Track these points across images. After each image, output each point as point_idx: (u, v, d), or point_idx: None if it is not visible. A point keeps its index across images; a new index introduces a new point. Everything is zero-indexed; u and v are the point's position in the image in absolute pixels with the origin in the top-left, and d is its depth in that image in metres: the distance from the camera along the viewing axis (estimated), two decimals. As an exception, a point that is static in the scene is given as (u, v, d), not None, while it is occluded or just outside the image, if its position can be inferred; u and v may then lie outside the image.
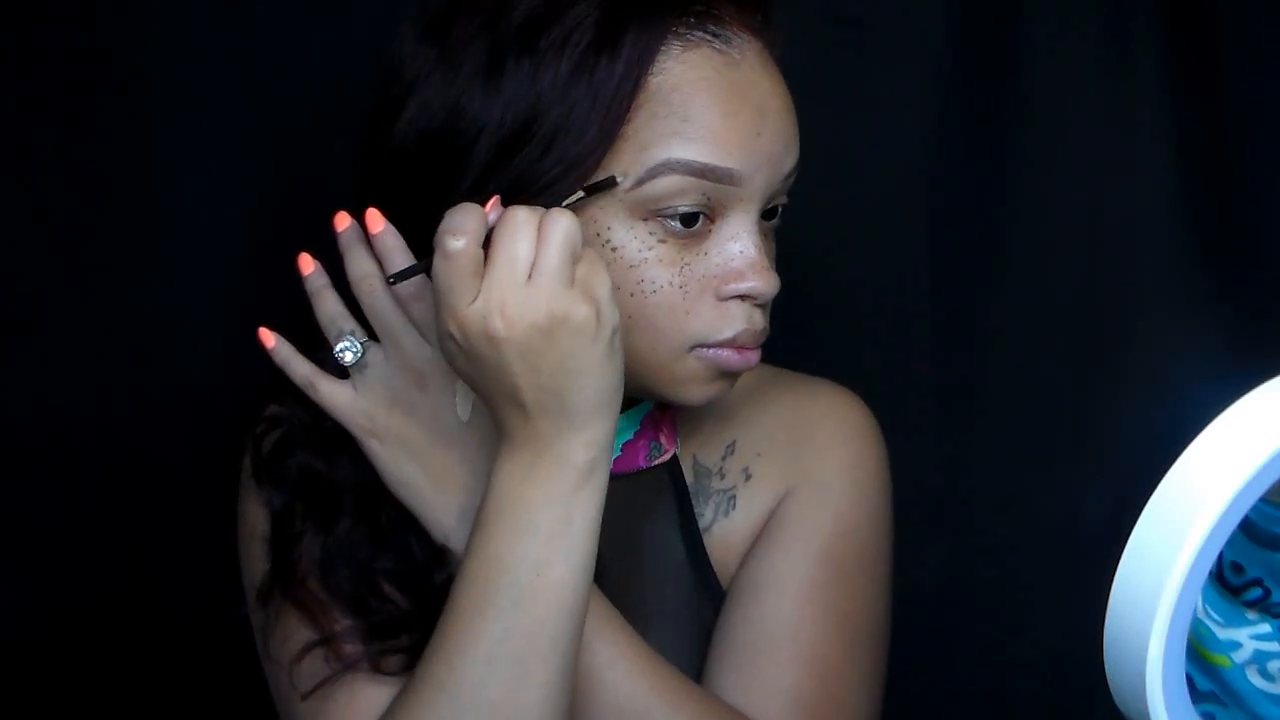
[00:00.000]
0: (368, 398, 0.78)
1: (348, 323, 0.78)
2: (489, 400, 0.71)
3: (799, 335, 1.16)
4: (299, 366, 0.79)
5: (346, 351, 0.77)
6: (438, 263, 0.68)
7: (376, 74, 0.80)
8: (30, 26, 1.08)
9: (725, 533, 0.87)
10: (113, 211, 1.12)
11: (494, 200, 0.70)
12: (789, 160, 0.77)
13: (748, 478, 0.88)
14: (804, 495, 0.87)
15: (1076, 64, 1.16)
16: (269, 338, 0.79)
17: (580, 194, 0.73)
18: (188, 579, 1.10)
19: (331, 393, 0.78)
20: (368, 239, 0.77)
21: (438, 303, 0.69)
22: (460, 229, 0.67)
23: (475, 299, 0.67)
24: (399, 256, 0.76)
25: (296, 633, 0.80)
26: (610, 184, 0.73)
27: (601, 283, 0.69)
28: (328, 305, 0.79)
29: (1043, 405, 1.21)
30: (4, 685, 1.16)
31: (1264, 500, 0.57)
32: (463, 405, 0.78)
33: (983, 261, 1.19)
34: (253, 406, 0.87)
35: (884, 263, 1.20)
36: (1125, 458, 1.13)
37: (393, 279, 0.73)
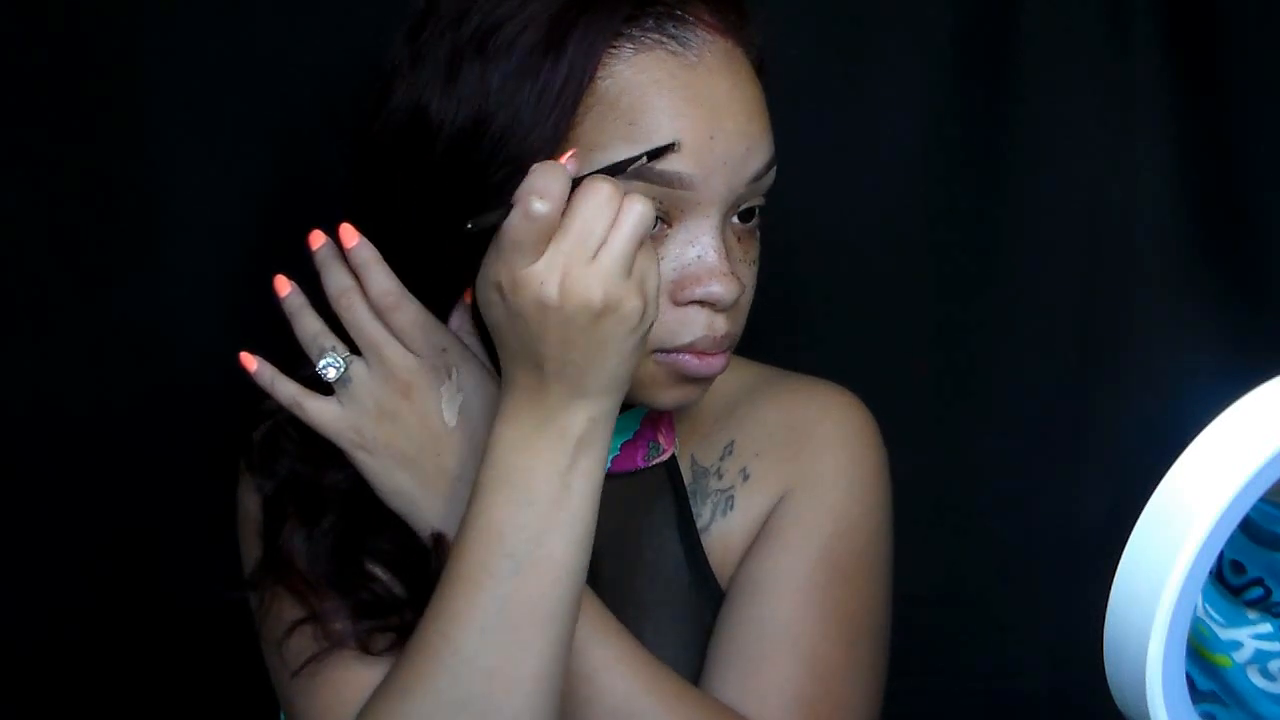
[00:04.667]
0: (354, 412, 0.78)
1: (328, 339, 0.78)
2: (508, 356, 0.71)
3: (798, 334, 1.17)
4: (284, 387, 0.79)
5: (330, 368, 0.78)
6: (516, 219, 0.68)
7: (370, 72, 0.80)
8: (30, 26, 1.08)
9: (723, 533, 0.87)
10: (113, 211, 1.12)
11: (570, 154, 0.71)
12: (754, 162, 0.75)
13: (745, 478, 0.88)
14: (802, 496, 0.87)
15: (1076, 63, 1.16)
16: (250, 361, 0.80)
17: (643, 158, 0.72)
18: (189, 578, 1.10)
19: (318, 410, 0.78)
20: (343, 254, 0.78)
21: (496, 253, 0.69)
22: (546, 193, 0.67)
23: (538, 261, 0.68)
24: (376, 270, 0.77)
25: (286, 613, 0.80)
26: (670, 149, 0.72)
27: (653, 277, 0.70)
28: (307, 324, 0.79)
29: (1042, 405, 1.20)
30: (4, 685, 1.16)
31: (1264, 500, 0.57)
32: (449, 409, 0.78)
33: (983, 261, 1.19)
34: (251, 403, 0.87)
35: (884, 261, 1.20)
36: (1125, 458, 1.13)
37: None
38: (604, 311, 0.67)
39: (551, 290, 0.67)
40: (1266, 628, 0.64)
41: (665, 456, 0.88)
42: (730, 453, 0.89)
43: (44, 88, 1.09)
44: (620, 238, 0.68)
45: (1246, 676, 0.64)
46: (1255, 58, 1.12)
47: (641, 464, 0.86)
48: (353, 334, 0.78)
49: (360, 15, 1.05)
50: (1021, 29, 1.15)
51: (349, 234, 0.77)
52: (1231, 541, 0.55)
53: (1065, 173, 1.17)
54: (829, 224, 1.16)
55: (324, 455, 0.81)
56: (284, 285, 0.80)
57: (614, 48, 0.73)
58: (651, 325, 0.70)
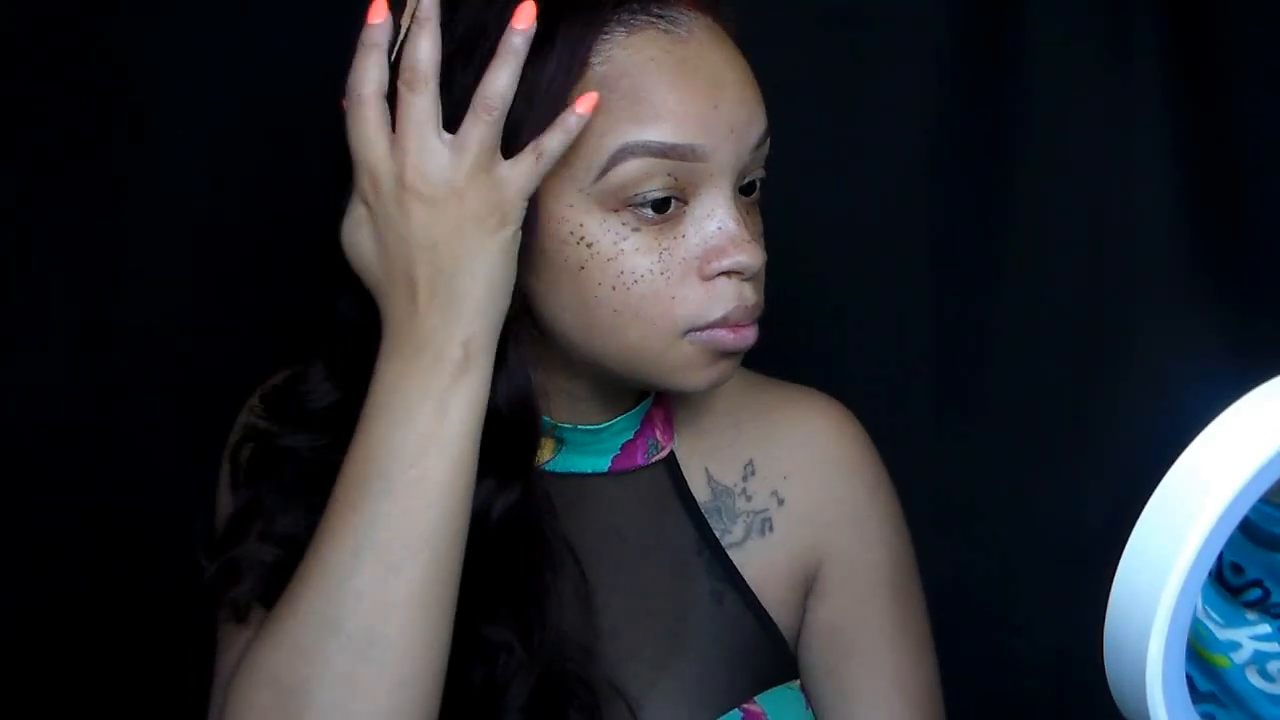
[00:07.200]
0: None
1: None
2: (383, 292, 0.72)
3: (798, 334, 1.17)
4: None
5: None
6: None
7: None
8: (30, 26, 1.08)
9: (761, 550, 0.88)
10: (113, 211, 1.12)
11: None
12: (754, 130, 0.76)
13: (780, 502, 0.89)
14: (852, 534, 0.89)
15: (1076, 64, 1.16)
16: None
17: None
18: (188, 578, 1.10)
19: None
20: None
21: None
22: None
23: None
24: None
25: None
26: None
27: (515, 184, 0.71)
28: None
29: (1043, 406, 1.20)
30: (3, 685, 1.16)
31: (1264, 500, 0.57)
32: None
33: (983, 262, 1.19)
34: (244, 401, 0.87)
35: (883, 263, 1.20)
36: (1125, 458, 1.13)
37: None
38: (448, 197, 0.70)
39: (406, 173, 0.70)
40: (1265, 629, 0.64)
41: (664, 454, 0.88)
42: (753, 473, 0.89)
43: (44, 87, 1.09)
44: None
45: (1245, 677, 0.64)
46: (1255, 59, 1.12)
47: (642, 461, 0.86)
48: None
49: (360, 15, 1.05)
50: (1023, 30, 1.15)
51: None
52: (1230, 543, 0.55)
53: (1065, 173, 1.17)
54: (828, 224, 1.16)
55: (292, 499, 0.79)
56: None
57: (605, 33, 0.73)
58: (516, 238, 0.72)
